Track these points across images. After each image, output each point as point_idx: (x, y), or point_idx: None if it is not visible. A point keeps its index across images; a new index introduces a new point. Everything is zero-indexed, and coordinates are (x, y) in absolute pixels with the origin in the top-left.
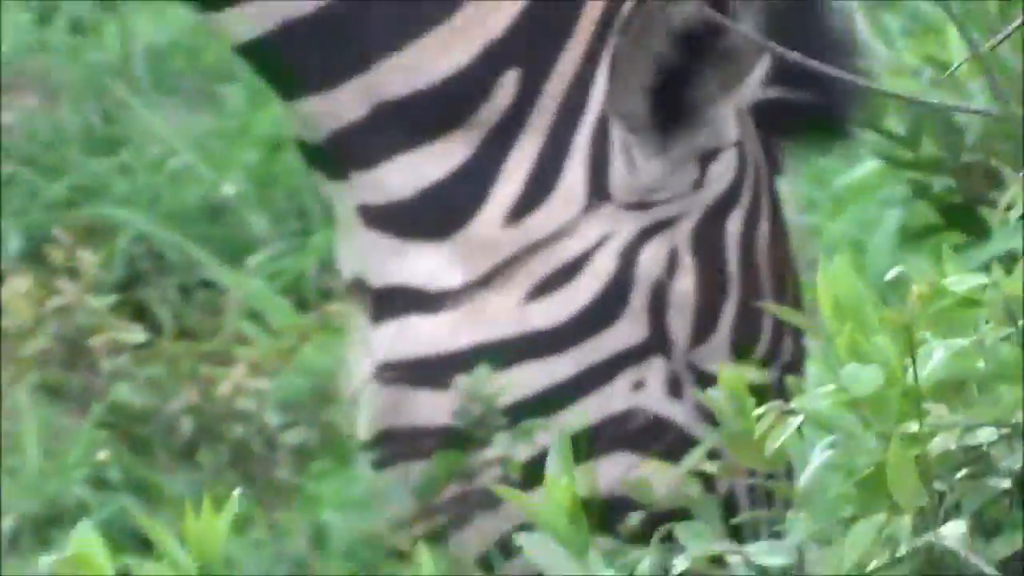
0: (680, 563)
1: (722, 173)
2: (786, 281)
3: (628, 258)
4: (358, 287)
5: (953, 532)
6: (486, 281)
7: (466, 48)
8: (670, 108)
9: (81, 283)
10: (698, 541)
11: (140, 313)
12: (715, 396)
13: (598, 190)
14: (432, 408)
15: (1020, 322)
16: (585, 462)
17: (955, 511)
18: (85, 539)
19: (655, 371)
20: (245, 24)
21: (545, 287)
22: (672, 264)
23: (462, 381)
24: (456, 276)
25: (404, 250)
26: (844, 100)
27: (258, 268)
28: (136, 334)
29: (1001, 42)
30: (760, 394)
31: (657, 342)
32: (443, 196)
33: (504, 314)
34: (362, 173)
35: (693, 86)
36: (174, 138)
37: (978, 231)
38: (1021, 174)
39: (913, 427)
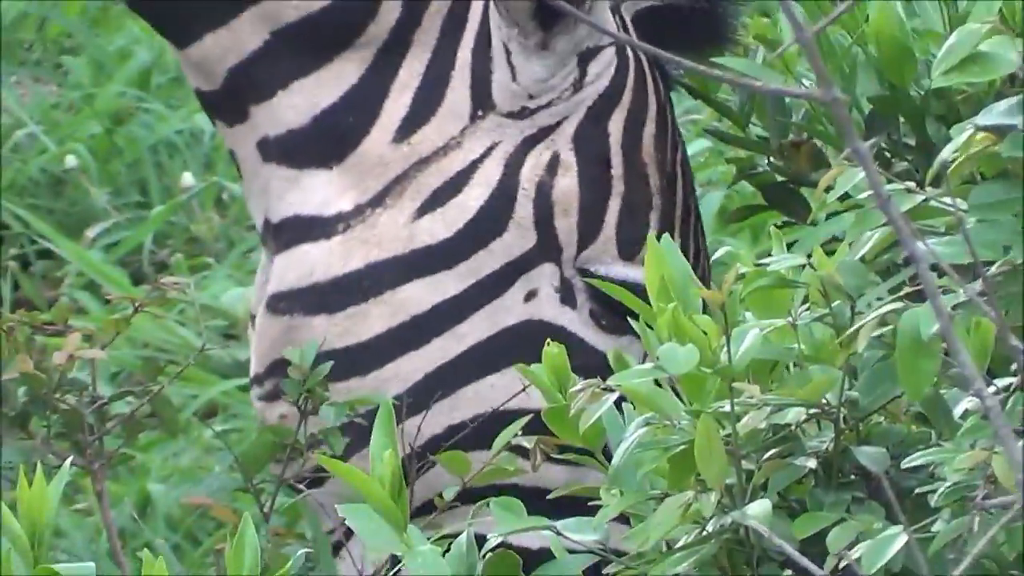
0: (493, 538)
1: (601, 73)
2: (675, 177)
3: (513, 166)
4: (266, 229)
5: (758, 511)
6: (376, 201)
7: None
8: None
9: None
10: (510, 516)
11: None
12: (536, 371)
13: (482, 102)
14: (326, 332)
15: (835, 303)
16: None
17: (761, 490)
18: None
19: (546, 279)
20: None
21: (433, 202)
22: (554, 167)
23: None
24: (347, 199)
25: (299, 179)
26: (722, 5)
27: (96, 240)
28: None
29: (827, 26)
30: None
31: (546, 249)
32: (335, 121)
33: (394, 233)
34: (260, 106)
35: None
36: (19, 109)
37: (799, 211)
38: (842, 156)
39: (724, 406)
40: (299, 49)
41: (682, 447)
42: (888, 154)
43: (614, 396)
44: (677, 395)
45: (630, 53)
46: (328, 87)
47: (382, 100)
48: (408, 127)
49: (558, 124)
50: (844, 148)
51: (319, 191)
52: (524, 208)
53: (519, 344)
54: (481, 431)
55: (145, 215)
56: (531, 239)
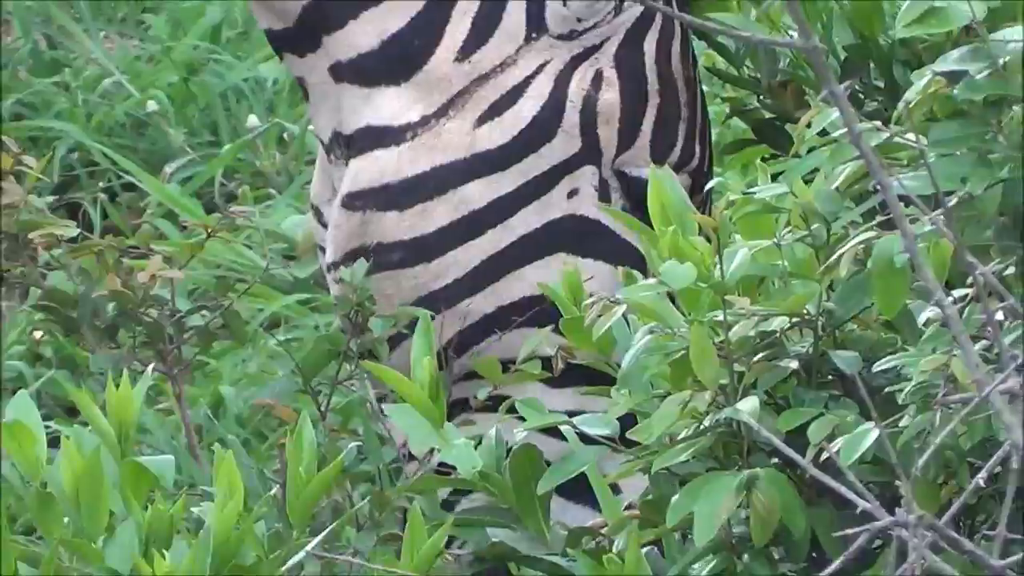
0: (520, 432)
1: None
2: (695, 92)
3: (561, 81)
4: (335, 142)
5: (747, 407)
6: (441, 113)
7: None
8: None
9: (24, 185)
10: (533, 412)
11: (73, 212)
12: (555, 288)
13: (535, 26)
14: (397, 226)
15: (814, 226)
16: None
17: (751, 389)
18: (21, 408)
19: (587, 179)
20: None
21: (491, 113)
22: (598, 82)
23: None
24: (415, 112)
25: (371, 96)
26: None
27: (174, 175)
28: (70, 230)
29: None
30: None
31: (588, 153)
32: (402, 44)
33: (456, 140)
34: (333, 35)
35: None
36: (107, 61)
37: (784, 145)
38: (820, 97)
39: (718, 316)
40: None
41: (681, 352)
42: (861, 96)
43: (622, 309)
44: (676, 307)
45: None
46: (395, 15)
47: (444, 24)
48: (469, 47)
49: (601, 44)
50: (822, 91)
51: (389, 105)
52: (571, 118)
53: (562, 234)
54: (528, 312)
55: (215, 153)
56: (576, 145)
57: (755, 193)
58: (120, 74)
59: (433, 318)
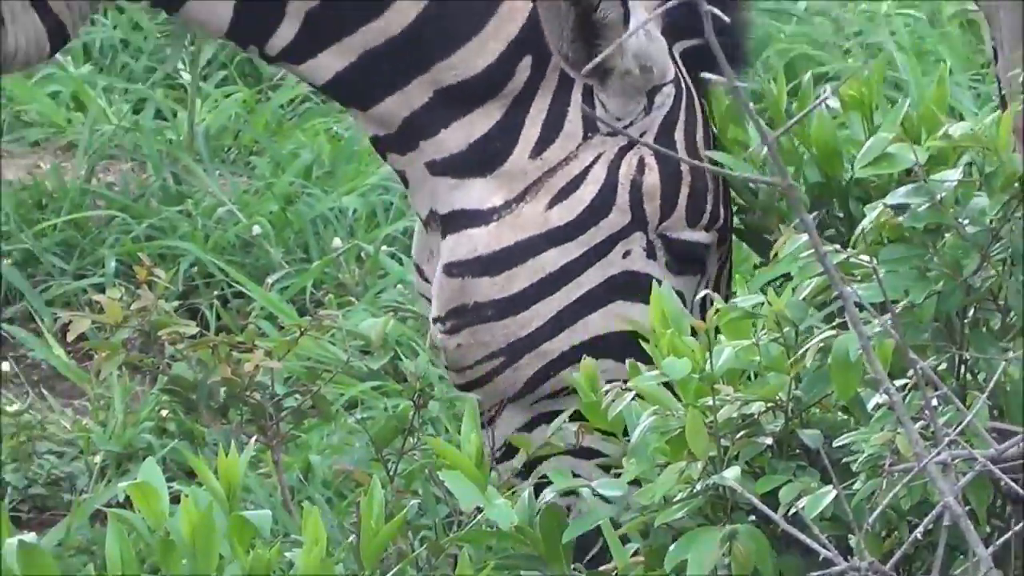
0: (549, 493)
1: (664, 101)
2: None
3: (613, 168)
4: (432, 218)
5: (731, 474)
6: (519, 198)
7: (497, 46)
8: (590, 49)
9: (155, 293)
10: (560, 478)
11: (194, 314)
12: (576, 377)
13: (589, 127)
14: (489, 288)
15: (785, 329)
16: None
17: (734, 460)
18: (149, 472)
19: (637, 242)
20: (328, 68)
21: (560, 197)
22: (642, 167)
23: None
24: (499, 197)
25: (461, 185)
26: (739, 43)
27: (274, 285)
28: (190, 328)
29: (783, 133)
30: (706, 250)
31: (637, 223)
32: (487, 145)
33: (533, 219)
34: (428, 140)
35: (593, 34)
36: (221, 194)
37: (766, 252)
38: (792, 224)
39: (708, 402)
40: (455, 101)
41: (678, 431)
42: (825, 224)
43: (631, 395)
44: (674, 394)
45: (683, 85)
46: (480, 124)
47: (520, 130)
48: (540, 147)
49: (641, 136)
50: (794, 219)
51: (477, 193)
52: (622, 197)
53: (620, 287)
54: (593, 350)
55: (307, 268)
56: (627, 217)
57: (737, 303)
58: (231, 204)
59: (517, 361)
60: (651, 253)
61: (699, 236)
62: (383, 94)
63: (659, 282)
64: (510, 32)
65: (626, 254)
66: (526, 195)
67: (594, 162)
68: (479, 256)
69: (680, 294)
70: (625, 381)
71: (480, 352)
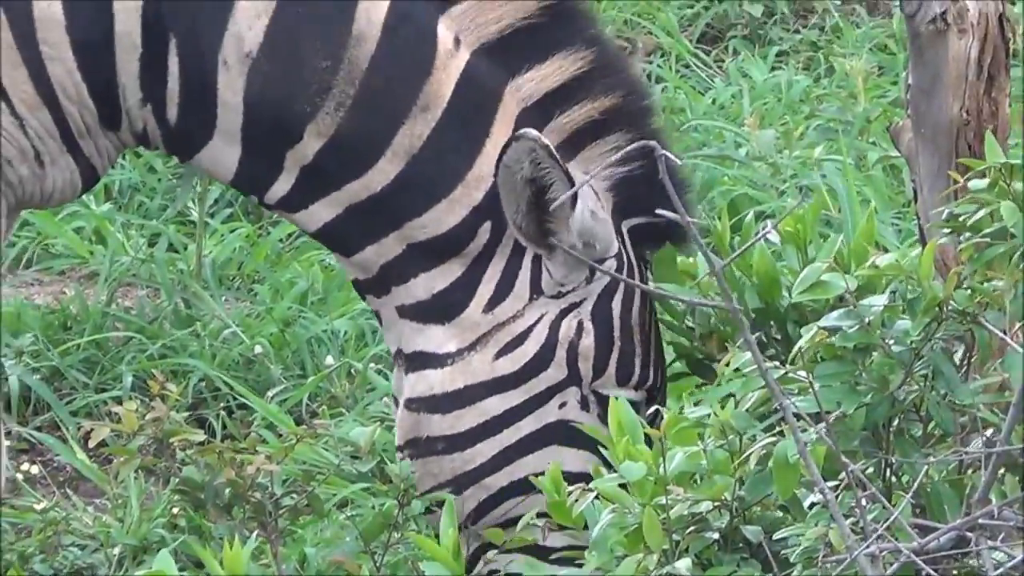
0: None
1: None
2: (649, 335)
3: (554, 328)
4: (398, 355)
5: (683, 566)
6: (471, 348)
7: (462, 210)
8: (540, 223)
9: (167, 404)
10: (530, 568)
11: (202, 423)
12: (542, 481)
13: (536, 289)
14: (440, 425)
15: (730, 437)
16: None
17: (685, 553)
18: (164, 562)
19: (572, 395)
20: (318, 217)
21: (505, 350)
22: (580, 330)
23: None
24: (453, 345)
25: (423, 330)
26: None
27: (274, 398)
28: (199, 436)
29: (728, 264)
30: (635, 407)
31: (573, 378)
32: (447, 297)
33: (481, 368)
34: (399, 287)
35: (544, 212)
36: (226, 317)
37: (710, 377)
38: (737, 344)
39: (661, 500)
40: (424, 255)
41: (635, 526)
42: (764, 343)
43: (592, 495)
44: (630, 493)
45: (624, 259)
46: (443, 277)
47: (476, 286)
48: (492, 303)
49: (581, 303)
50: (738, 339)
51: (436, 338)
52: (560, 355)
53: (555, 433)
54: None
55: (303, 382)
56: (563, 372)
57: (687, 414)
58: (235, 326)
59: (462, 492)
60: (584, 406)
61: (628, 394)
62: (364, 244)
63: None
64: (475, 199)
65: (562, 405)
66: (476, 345)
67: (537, 321)
68: (434, 395)
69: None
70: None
71: (430, 481)
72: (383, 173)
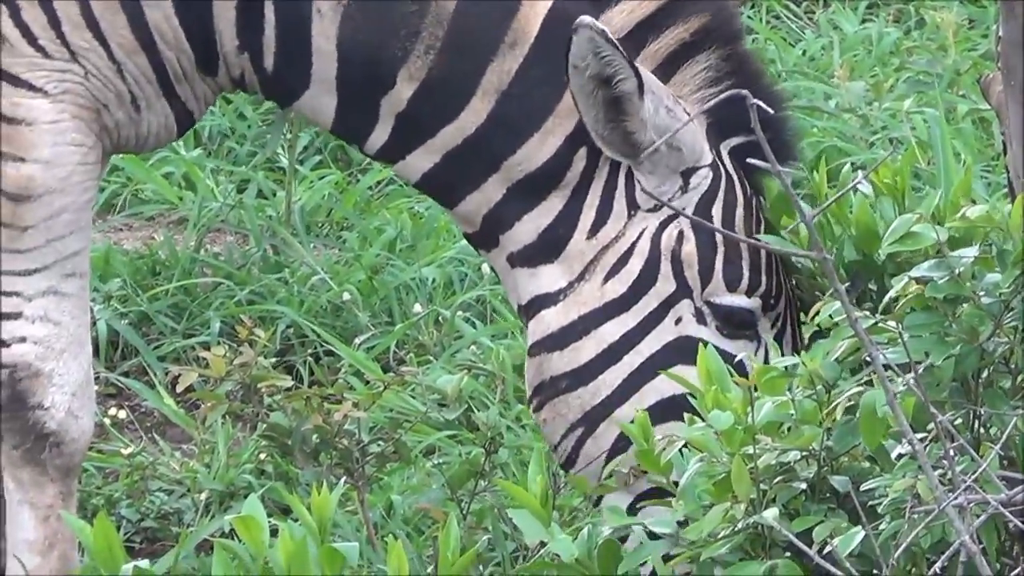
0: (606, 530)
1: (700, 182)
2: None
3: (655, 241)
4: (520, 311)
5: (770, 515)
6: (580, 278)
7: (556, 140)
8: (619, 126)
9: (255, 350)
10: (615, 516)
11: (289, 370)
12: (630, 427)
13: (632, 205)
14: (559, 362)
15: (818, 387)
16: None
17: (772, 502)
18: (252, 507)
19: (686, 308)
20: (417, 167)
21: (612, 272)
22: (680, 239)
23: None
24: (564, 279)
25: (535, 273)
26: (788, 139)
27: (361, 345)
28: (286, 382)
29: (823, 211)
30: (751, 316)
31: (683, 289)
32: (552, 233)
33: (591, 295)
34: (505, 234)
35: (621, 112)
36: (314, 264)
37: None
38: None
39: (749, 450)
40: (524, 195)
41: (723, 475)
42: (863, 298)
43: (681, 443)
44: (719, 443)
45: (722, 171)
46: (546, 213)
47: (579, 216)
48: (595, 228)
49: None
50: (829, 289)
51: (547, 277)
52: (665, 267)
53: (677, 352)
54: (660, 412)
55: (391, 330)
56: (672, 285)
57: (774, 363)
58: (324, 273)
59: (596, 430)
60: (701, 319)
61: (740, 301)
62: (464, 192)
63: (713, 346)
64: (566, 128)
65: (678, 320)
66: (585, 274)
67: (639, 237)
68: (551, 334)
69: (734, 358)
70: None
71: (562, 426)
72: (475, 113)
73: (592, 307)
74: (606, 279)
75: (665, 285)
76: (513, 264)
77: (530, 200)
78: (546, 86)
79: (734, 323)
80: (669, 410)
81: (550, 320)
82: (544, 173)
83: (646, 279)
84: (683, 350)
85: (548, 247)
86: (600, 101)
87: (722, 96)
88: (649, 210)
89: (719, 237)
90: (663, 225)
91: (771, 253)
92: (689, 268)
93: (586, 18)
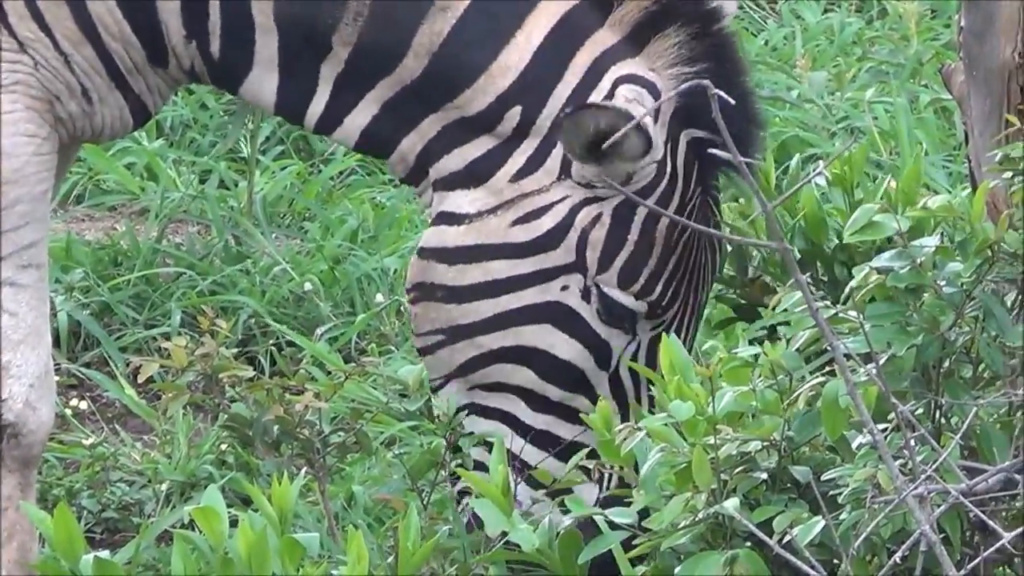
0: (568, 521)
1: (641, 177)
2: (680, 259)
3: (573, 212)
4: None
5: (731, 505)
6: (491, 212)
7: (487, 98)
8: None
9: (217, 341)
10: (578, 506)
11: (251, 361)
12: (593, 418)
13: (566, 171)
14: (444, 274)
15: (779, 377)
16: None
17: (733, 492)
18: (212, 497)
19: (575, 281)
20: (356, 125)
21: (524, 220)
22: (595, 222)
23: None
24: (474, 208)
25: (449, 195)
26: (749, 140)
27: (322, 336)
28: (248, 372)
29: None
30: (632, 316)
31: (579, 265)
32: (478, 164)
33: (496, 230)
34: (435, 163)
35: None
36: (276, 254)
37: (755, 320)
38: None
39: (710, 440)
40: (458, 131)
41: (684, 465)
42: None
43: (642, 434)
44: (680, 433)
45: (667, 168)
46: (476, 148)
47: (508, 158)
48: (521, 174)
49: (608, 198)
50: (788, 280)
51: (460, 199)
52: (572, 239)
53: (551, 312)
54: (514, 355)
55: (352, 320)
56: (571, 257)
57: (737, 353)
58: (285, 263)
59: (454, 344)
60: (586, 296)
61: (626, 299)
62: (402, 135)
63: (587, 323)
64: (499, 87)
65: (564, 288)
66: (497, 209)
67: (560, 201)
68: (445, 247)
69: (606, 342)
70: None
71: (427, 326)
72: (409, 70)
73: (491, 241)
74: (515, 223)
75: (564, 254)
76: (435, 188)
77: (464, 136)
78: (479, 48)
79: (613, 314)
80: (527, 360)
81: (449, 235)
82: (478, 119)
83: (551, 239)
84: (557, 314)
85: (471, 176)
86: (589, 137)
87: (685, 86)
88: (579, 183)
89: (632, 235)
90: (586, 202)
91: (686, 270)
92: (592, 250)
93: (619, 106)
